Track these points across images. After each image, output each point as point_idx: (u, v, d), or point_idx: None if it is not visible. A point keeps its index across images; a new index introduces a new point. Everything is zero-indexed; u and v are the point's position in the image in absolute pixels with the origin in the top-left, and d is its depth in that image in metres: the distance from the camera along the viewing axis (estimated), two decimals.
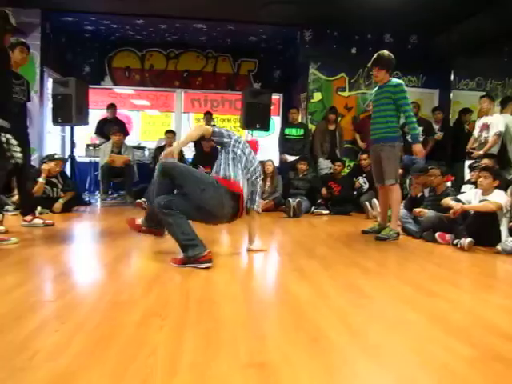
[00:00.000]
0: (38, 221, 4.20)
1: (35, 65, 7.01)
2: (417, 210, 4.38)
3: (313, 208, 6.16)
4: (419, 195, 4.84)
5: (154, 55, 8.92)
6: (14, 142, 3.30)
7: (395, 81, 4.18)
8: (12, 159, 3.27)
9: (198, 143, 7.41)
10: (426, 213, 4.22)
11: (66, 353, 1.45)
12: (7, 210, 4.91)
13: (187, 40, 8.53)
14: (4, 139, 3.22)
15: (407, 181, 5.85)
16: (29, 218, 4.17)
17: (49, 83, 7.32)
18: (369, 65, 4.27)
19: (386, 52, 4.21)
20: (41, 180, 5.13)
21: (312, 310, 2.00)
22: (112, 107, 7.57)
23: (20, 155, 3.32)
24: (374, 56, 4.22)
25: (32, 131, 4.54)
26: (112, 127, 6.94)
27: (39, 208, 4.86)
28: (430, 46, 7.59)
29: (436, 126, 7.09)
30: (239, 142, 3.12)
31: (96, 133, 7.51)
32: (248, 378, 1.33)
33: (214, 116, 8.18)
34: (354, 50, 7.64)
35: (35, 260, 2.94)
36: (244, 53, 9.02)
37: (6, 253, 3.03)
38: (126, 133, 7.42)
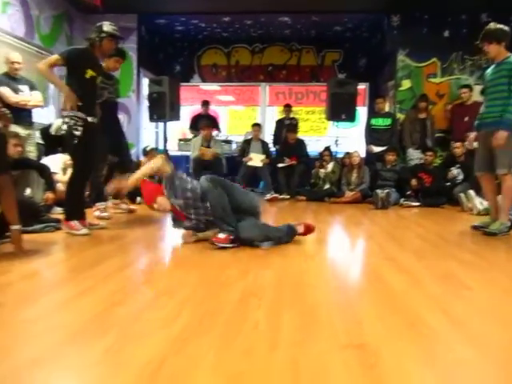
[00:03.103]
0: (123, 206, 4.72)
1: (132, 65, 7.52)
2: None
3: (402, 200, 5.96)
4: None
5: (240, 51, 9.14)
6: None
7: None
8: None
9: (280, 134, 7.51)
10: None
11: (177, 323, 1.59)
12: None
13: (272, 34, 8.63)
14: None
15: None
16: (115, 202, 4.69)
17: (144, 82, 7.82)
18: (478, 43, 3.89)
19: (492, 24, 3.83)
20: None
21: (407, 297, 1.97)
22: (206, 104, 7.85)
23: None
24: (482, 32, 3.85)
25: (131, 128, 4.91)
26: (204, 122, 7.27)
27: (138, 198, 5.25)
28: None
29: None
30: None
31: (190, 128, 7.86)
32: (348, 358, 1.36)
33: (298, 109, 8.21)
34: (446, 34, 7.23)
35: (136, 244, 3.18)
36: (328, 43, 8.93)
37: (108, 238, 3.33)
38: (217, 128, 7.72)
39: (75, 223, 3.36)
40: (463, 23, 7.10)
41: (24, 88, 4.67)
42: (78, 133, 3.32)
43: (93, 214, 4.18)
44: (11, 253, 2.67)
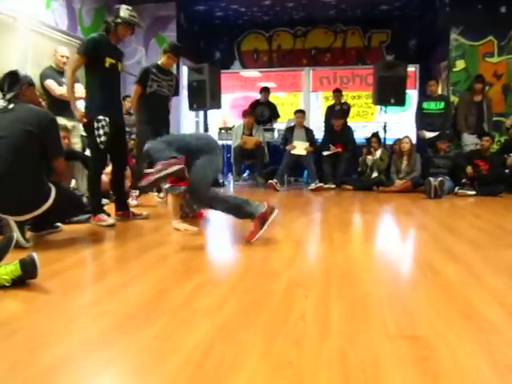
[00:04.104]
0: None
1: None
2: None
3: (457, 188, 5.78)
4: None
5: (281, 35, 9.09)
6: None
7: None
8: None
9: (328, 121, 7.43)
10: None
11: (222, 312, 1.63)
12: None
13: (315, 16, 8.52)
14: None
15: None
16: (162, 195, 4.76)
17: (184, 71, 7.94)
18: None
19: None
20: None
21: (464, 289, 1.93)
22: (265, 90, 7.85)
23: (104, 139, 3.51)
24: None
25: (171, 118, 5.01)
26: (263, 110, 7.37)
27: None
28: None
29: None
30: None
31: (247, 115, 7.89)
32: (399, 349, 1.35)
33: (344, 93, 8.08)
34: (503, 9, 6.88)
35: (178, 234, 3.26)
36: (375, 24, 8.72)
37: (150, 228, 3.44)
38: (276, 116, 7.78)
39: (102, 215, 3.47)
40: None
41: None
42: (102, 138, 3.43)
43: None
44: (58, 243, 2.82)
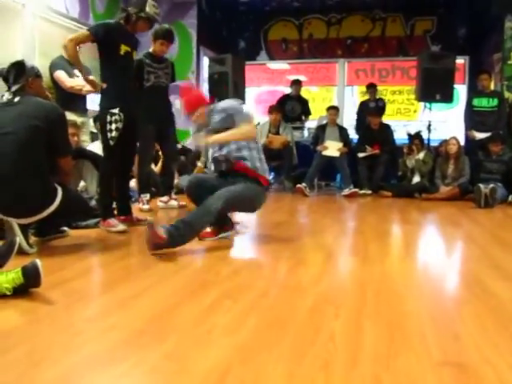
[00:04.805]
0: (173, 202, 4.79)
1: (191, 44, 7.73)
2: None
3: (510, 197, 5.66)
4: None
5: (313, 23, 9.10)
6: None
7: None
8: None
9: (364, 119, 7.37)
10: None
11: (242, 330, 1.62)
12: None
13: (350, 2, 8.50)
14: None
15: None
16: (165, 198, 4.79)
17: (204, 62, 8.00)
18: None
19: None
20: (199, 164, 5.67)
21: None
22: (296, 83, 7.85)
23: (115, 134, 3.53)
24: None
25: None
26: (293, 105, 7.40)
27: None
28: None
29: None
30: None
31: (274, 111, 7.91)
32: (443, 378, 1.32)
33: (382, 88, 8.05)
34: None
35: (193, 242, 3.27)
36: (419, 10, 8.68)
37: None
38: (308, 112, 7.80)
39: (112, 220, 3.51)
40: None
41: (78, 73, 4.95)
42: (113, 133, 3.46)
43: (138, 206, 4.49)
44: (64, 249, 2.87)
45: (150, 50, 4.57)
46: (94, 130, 5.55)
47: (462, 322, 1.76)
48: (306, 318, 1.77)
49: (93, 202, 3.91)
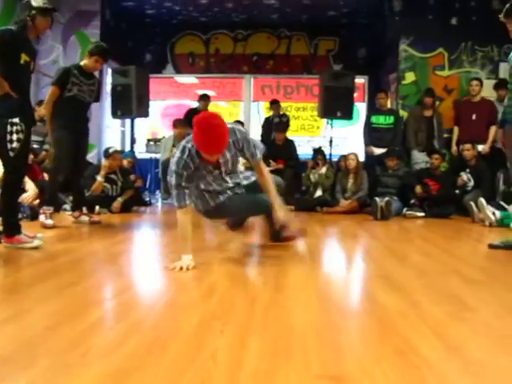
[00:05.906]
0: (84, 218, 4.62)
1: None
2: None
3: (405, 209, 5.98)
4: None
5: (220, 38, 9.16)
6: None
7: None
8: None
9: (269, 134, 7.49)
10: None
11: (120, 351, 1.53)
12: (65, 209, 5.28)
13: (257, 19, 8.67)
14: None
15: None
16: (76, 214, 4.63)
17: (108, 73, 7.77)
18: (500, 17, 3.75)
19: None
20: (99, 178, 5.46)
21: (400, 320, 1.94)
22: (204, 98, 7.80)
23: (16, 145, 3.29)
24: (506, 6, 3.71)
25: (91, 126, 4.89)
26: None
27: (97, 207, 5.22)
28: None
29: None
30: None
31: (178, 124, 7.76)
32: None
33: (287, 104, 8.24)
34: (454, 21, 7.30)
35: (90, 259, 3.13)
36: (322, 30, 9.01)
37: (62, 251, 3.27)
38: None
39: (22, 236, 3.27)
40: (472, 10, 7.17)
41: None
42: (14, 145, 3.21)
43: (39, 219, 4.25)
44: None
45: (82, 63, 4.43)
46: None
47: (346, 335, 1.79)
48: (190, 335, 1.71)
49: None
